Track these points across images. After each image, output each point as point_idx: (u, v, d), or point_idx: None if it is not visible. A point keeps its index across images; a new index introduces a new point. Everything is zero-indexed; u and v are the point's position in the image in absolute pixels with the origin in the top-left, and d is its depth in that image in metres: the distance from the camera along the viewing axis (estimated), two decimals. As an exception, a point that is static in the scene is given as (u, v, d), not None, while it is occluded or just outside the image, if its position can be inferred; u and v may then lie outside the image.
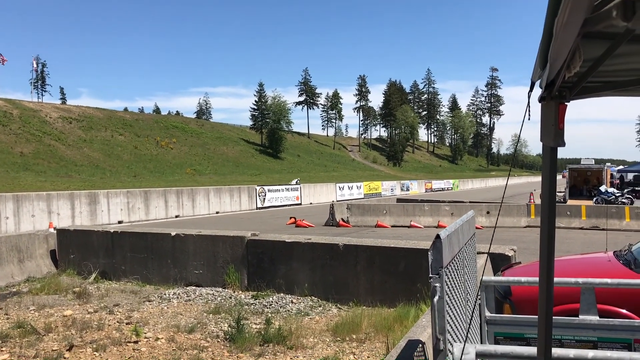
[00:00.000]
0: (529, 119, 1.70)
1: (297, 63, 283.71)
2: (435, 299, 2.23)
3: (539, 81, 1.65)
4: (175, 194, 26.50)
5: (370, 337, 6.66)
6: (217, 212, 28.61)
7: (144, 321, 7.47)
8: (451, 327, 2.49)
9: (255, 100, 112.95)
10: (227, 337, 6.61)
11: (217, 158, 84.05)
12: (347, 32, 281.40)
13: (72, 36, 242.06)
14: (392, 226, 20.95)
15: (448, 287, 2.45)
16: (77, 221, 20.89)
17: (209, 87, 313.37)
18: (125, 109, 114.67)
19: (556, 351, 2.14)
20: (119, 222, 22.46)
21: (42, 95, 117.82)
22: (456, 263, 2.77)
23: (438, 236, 2.29)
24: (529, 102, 1.68)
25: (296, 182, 41.96)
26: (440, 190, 63.52)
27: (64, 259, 11.16)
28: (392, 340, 5.96)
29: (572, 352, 2.14)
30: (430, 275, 2.26)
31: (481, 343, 3.68)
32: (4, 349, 6.28)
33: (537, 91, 1.70)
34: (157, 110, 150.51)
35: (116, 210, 23.07)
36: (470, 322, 2.59)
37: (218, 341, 6.61)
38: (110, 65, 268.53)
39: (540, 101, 1.60)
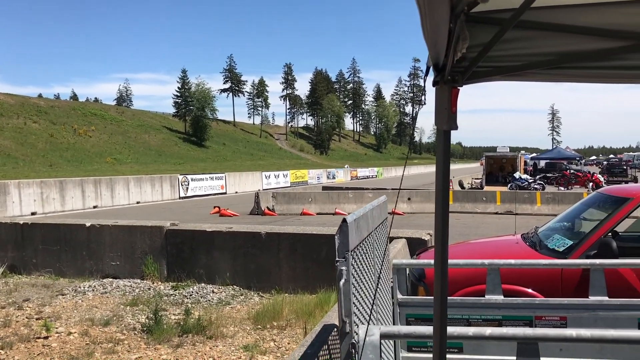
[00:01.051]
0: (424, 103, 1.73)
1: (221, 50, 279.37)
2: (342, 282, 2.25)
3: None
4: (93, 184, 25.50)
5: (291, 323, 6.68)
6: (137, 202, 27.78)
7: (56, 316, 7.15)
8: (359, 311, 2.52)
9: (179, 87, 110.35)
10: (145, 329, 6.44)
11: (139, 147, 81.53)
12: (273, 19, 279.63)
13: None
14: (317, 214, 21.11)
15: (355, 271, 2.47)
16: (-15, 213, 19.71)
17: (130, 73, 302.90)
18: (40, 96, 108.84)
19: (456, 329, 2.21)
20: (32, 214, 21.37)
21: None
22: (365, 247, 2.81)
23: (345, 220, 2.31)
24: (424, 86, 1.71)
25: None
26: (365, 178, 64.61)
27: (-32, 253, 10.49)
28: (310, 326, 6.01)
29: (471, 330, 2.21)
30: (337, 258, 2.27)
31: (393, 325, 3.76)
32: None
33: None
34: (74, 97, 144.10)
35: (29, 202, 21.92)
36: (373, 303, 2.63)
37: (135, 333, 6.43)
38: (23, 48, 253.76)
39: (433, 85, 1.63)
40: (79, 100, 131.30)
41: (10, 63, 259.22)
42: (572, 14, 1.54)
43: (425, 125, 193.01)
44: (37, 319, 6.98)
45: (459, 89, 1.65)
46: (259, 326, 6.66)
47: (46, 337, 6.22)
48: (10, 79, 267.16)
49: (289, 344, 6.07)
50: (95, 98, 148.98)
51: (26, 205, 21.76)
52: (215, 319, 6.70)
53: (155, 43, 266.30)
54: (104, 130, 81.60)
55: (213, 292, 8.37)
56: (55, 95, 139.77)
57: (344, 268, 2.26)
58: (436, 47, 1.35)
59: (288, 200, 22.13)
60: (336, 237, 2.30)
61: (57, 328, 6.54)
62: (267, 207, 21.62)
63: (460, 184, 32.16)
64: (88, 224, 9.73)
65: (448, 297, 4.04)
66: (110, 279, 9.18)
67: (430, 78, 1.69)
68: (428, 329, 2.22)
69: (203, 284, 8.75)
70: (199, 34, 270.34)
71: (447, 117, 1.62)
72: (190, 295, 8.21)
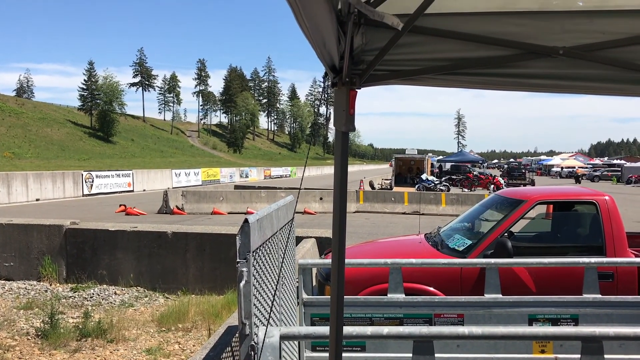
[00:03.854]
0: (325, 104, 1.74)
1: (132, 42, 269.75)
2: (242, 283, 2.21)
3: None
4: (-13, 180, 23.80)
5: (197, 325, 6.55)
6: (37, 200, 26.23)
7: (-62, 322, 6.60)
8: (260, 312, 2.49)
9: (85, 80, 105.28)
10: (39, 333, 6.08)
11: (40, 141, 77.06)
12: (187, 12, 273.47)
13: None
14: (229, 213, 20.84)
15: (257, 272, 2.44)
16: None
17: (31, 62, 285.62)
18: None
19: (355, 329, 2.24)
20: None
21: None
22: (269, 247, 2.78)
23: (246, 220, 2.27)
24: (324, 87, 1.71)
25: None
26: (279, 177, 64.64)
27: None
28: (216, 328, 5.92)
29: (369, 329, 2.24)
30: (238, 260, 2.23)
31: (299, 325, 3.77)
32: None
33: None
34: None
35: None
36: (272, 304, 2.61)
37: (28, 339, 6.06)
38: None
39: (332, 87, 1.64)
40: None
41: None
42: (464, 21, 1.60)
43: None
44: None
45: (357, 91, 1.66)
46: (164, 328, 6.48)
47: None
48: None
49: (194, 346, 5.94)
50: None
51: None
52: (117, 322, 6.44)
53: (60, 31, 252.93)
54: (1, 123, 76.40)
55: (116, 293, 8.05)
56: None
57: (244, 269, 2.23)
58: (326, 47, 1.35)
59: (198, 199, 21.69)
60: (237, 237, 2.26)
61: (-62, 335, 6.04)
62: (177, 206, 21.08)
63: (371, 185, 32.88)
64: (-22, 223, 9.07)
65: (351, 297, 4.10)
66: (3, 281, 8.61)
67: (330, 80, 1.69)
68: (325, 329, 2.23)
69: (105, 286, 8.40)
70: (108, 24, 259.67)
71: (344, 118, 1.63)
72: (91, 297, 7.85)
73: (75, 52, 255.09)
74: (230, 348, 3.48)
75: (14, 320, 6.66)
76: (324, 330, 2.27)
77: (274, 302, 2.66)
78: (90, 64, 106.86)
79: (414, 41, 1.64)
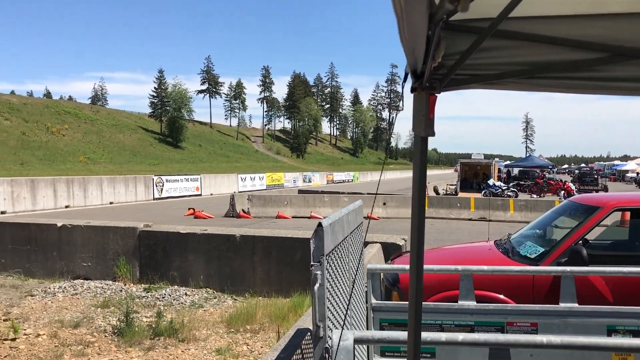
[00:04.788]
0: (402, 109, 1.74)
1: (200, 50, 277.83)
2: (316, 286, 2.24)
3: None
4: (66, 183, 25.06)
5: (265, 327, 6.65)
6: (111, 203, 27.41)
7: (25, 317, 7.01)
8: (333, 315, 2.51)
9: (155, 87, 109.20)
10: (116, 331, 6.35)
11: (113, 146, 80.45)
12: (252, 21, 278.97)
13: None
14: (292, 217, 21.07)
15: (330, 275, 2.47)
16: (-47, 211, 19.24)
17: (105, 71, 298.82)
18: (12, 92, 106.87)
19: (430, 335, 2.23)
20: (2, 213, 20.92)
21: None
22: (340, 251, 2.81)
23: (320, 224, 2.30)
24: (402, 93, 1.72)
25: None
26: (341, 182, 64.75)
27: None
28: (284, 330, 5.99)
29: (444, 335, 2.23)
30: (312, 263, 2.27)
31: (367, 330, 3.77)
32: None
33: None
34: (47, 95, 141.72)
35: (-2, 200, 21.47)
36: (347, 308, 2.63)
37: (105, 336, 6.33)
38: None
39: (412, 92, 1.64)
40: (53, 98, 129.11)
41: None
42: (548, 25, 1.57)
43: (402, 131, 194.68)
44: (4, 320, 6.83)
45: (436, 96, 1.66)
46: (232, 330, 6.62)
47: (13, 339, 6.09)
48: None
49: (261, 347, 6.04)
50: (70, 96, 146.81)
51: (-5, 203, 21.31)
52: (188, 322, 6.64)
53: (133, 42, 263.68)
54: (77, 129, 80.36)
55: (186, 294, 8.29)
56: (28, 92, 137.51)
57: (318, 272, 2.26)
58: (414, 53, 1.36)
59: (264, 203, 22.05)
60: (311, 241, 2.30)
61: (25, 330, 6.41)
62: (243, 210, 21.51)
63: (435, 190, 32.42)
64: (59, 224, 9.56)
65: (422, 303, 4.07)
66: (81, 280, 9.03)
67: (409, 84, 1.70)
68: (402, 334, 2.23)
69: (176, 287, 8.66)
70: (177, 34, 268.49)
71: (424, 123, 1.63)
72: (163, 297, 8.11)
73: (147, 61, 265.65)
74: (300, 350, 3.52)
75: (92, 318, 6.98)
76: (398, 335, 2.26)
77: (349, 306, 2.68)
78: (161, 72, 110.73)
79: (496, 45, 1.62)
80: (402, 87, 1.72)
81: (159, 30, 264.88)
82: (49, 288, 8.56)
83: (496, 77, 1.71)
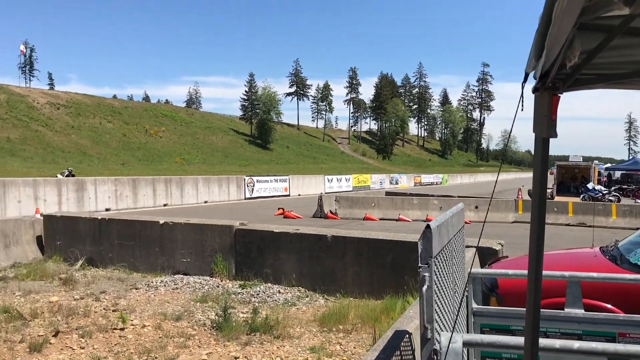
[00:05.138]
0: (522, 110, 1.71)
1: (288, 54, 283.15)
2: (424, 288, 2.24)
3: (532, 72, 1.66)
4: (164, 183, 26.37)
5: (357, 327, 6.69)
6: (205, 202, 28.52)
7: (131, 308, 7.45)
8: (439, 317, 2.50)
9: (246, 91, 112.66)
10: (214, 325, 6.61)
11: (206, 148, 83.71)
12: (339, 23, 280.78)
13: (63, 21, 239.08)
14: (380, 219, 21.01)
15: (436, 277, 2.46)
16: (64, 208, 20.74)
17: (200, 76, 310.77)
18: (114, 96, 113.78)
19: (542, 341, 2.17)
20: (107, 210, 22.32)
21: (30, 80, 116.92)
22: (445, 254, 2.79)
23: (428, 226, 2.30)
24: (522, 93, 1.69)
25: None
26: (429, 184, 63.79)
27: (50, 245, 11.09)
28: (378, 331, 6.00)
29: (557, 342, 2.16)
30: (420, 264, 2.27)
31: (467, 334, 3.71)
32: (-12, 333, 6.24)
33: (532, 83, 1.71)
34: (146, 98, 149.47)
35: (104, 198, 22.92)
36: (459, 311, 2.61)
37: (205, 329, 6.61)
38: (100, 51, 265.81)
39: (533, 92, 1.61)
40: (151, 101, 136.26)
41: (88, 64, 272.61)
42: None
43: (493, 132, 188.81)
44: (113, 311, 7.29)
45: (559, 96, 1.62)
46: (325, 329, 6.70)
47: (122, 329, 6.49)
48: (88, 80, 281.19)
49: (354, 348, 6.07)
50: (167, 100, 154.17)
51: (101, 201, 22.75)
52: (282, 319, 6.79)
53: (225, 47, 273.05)
54: (173, 131, 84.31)
55: (279, 292, 8.48)
56: (128, 96, 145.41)
57: (426, 274, 2.26)
58: (548, 54, 1.33)
59: (351, 204, 22.14)
60: (419, 242, 2.30)
61: (132, 320, 6.81)
62: (330, 211, 21.71)
63: (530, 194, 31.20)
64: (161, 221, 10.08)
65: (521, 308, 3.95)
66: (181, 275, 9.47)
67: (528, 85, 1.67)
68: (512, 339, 2.19)
69: (269, 284, 8.89)
70: (267, 38, 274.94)
71: (546, 124, 1.60)
72: (257, 294, 8.35)
73: (238, 65, 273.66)
74: (399, 352, 3.52)
75: (192, 312, 7.31)
76: (508, 340, 2.22)
77: (458, 310, 2.65)
78: (251, 75, 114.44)
79: (627, 43, 1.55)
80: (522, 87, 1.69)
81: (249, 34, 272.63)
82: (152, 282, 9.05)
83: (625, 76, 1.63)
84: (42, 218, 11.50)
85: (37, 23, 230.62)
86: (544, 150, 1.65)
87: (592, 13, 1.03)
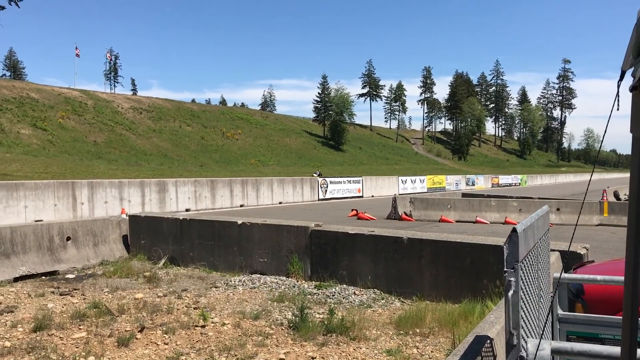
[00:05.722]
0: (617, 109, 1.63)
1: (361, 55, 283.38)
2: (510, 293, 2.18)
3: (630, 70, 1.58)
4: (240, 184, 27.03)
5: (434, 331, 6.58)
6: (280, 203, 28.99)
7: (211, 306, 7.68)
8: (524, 323, 2.42)
9: (319, 93, 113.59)
10: (291, 325, 6.70)
11: (280, 149, 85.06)
12: (412, 22, 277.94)
13: (145, 29, 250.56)
14: (456, 221, 20.61)
15: (522, 282, 2.39)
16: (147, 208, 21.69)
17: (274, 79, 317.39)
18: (193, 100, 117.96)
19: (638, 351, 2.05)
20: (187, 210, 23.14)
21: (114, 86, 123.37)
22: (530, 258, 2.70)
23: (514, 229, 2.24)
24: (618, 92, 1.61)
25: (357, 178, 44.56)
26: (507, 186, 61.94)
27: (135, 244, 11.62)
28: (457, 336, 5.88)
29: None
30: (505, 269, 2.21)
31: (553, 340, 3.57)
32: (81, 327, 6.62)
33: (627, 81, 1.63)
34: (223, 102, 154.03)
35: (184, 199, 23.78)
36: (547, 318, 2.52)
37: (282, 329, 6.71)
38: (180, 57, 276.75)
39: (631, 90, 1.53)
40: (227, 105, 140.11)
41: (168, 70, 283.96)
42: None
43: (575, 131, 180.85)
44: (194, 308, 7.54)
45: (659, 95, 1.53)
46: (401, 332, 6.64)
47: (203, 326, 6.70)
48: (168, 85, 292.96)
49: (432, 352, 5.98)
50: (242, 103, 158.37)
51: (182, 202, 23.62)
52: (358, 321, 6.78)
53: (299, 49, 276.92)
54: (249, 134, 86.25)
55: (354, 294, 8.49)
56: (206, 100, 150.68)
57: (512, 279, 2.20)
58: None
59: (426, 206, 21.84)
60: (505, 246, 2.24)
61: (212, 318, 7.02)
62: (404, 212, 21.51)
63: (616, 195, 29.67)
64: (239, 222, 10.33)
65: (612, 316, 3.76)
66: (258, 275, 9.67)
67: (625, 82, 1.59)
68: (605, 349, 2.09)
69: (345, 285, 8.91)
70: (340, 40, 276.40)
71: (645, 124, 1.52)
72: (333, 295, 8.39)
73: (311, 68, 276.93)
74: (480, 357, 3.44)
75: (269, 311, 7.44)
76: (600, 348, 2.12)
77: (547, 316, 2.57)
78: (324, 77, 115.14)
79: None
80: (618, 86, 1.61)
81: (322, 36, 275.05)
82: (230, 281, 9.29)
83: None
84: (127, 218, 12.07)
85: (121, 32, 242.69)
86: (643, 151, 1.57)
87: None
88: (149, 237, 11.45)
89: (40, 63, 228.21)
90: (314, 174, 41.04)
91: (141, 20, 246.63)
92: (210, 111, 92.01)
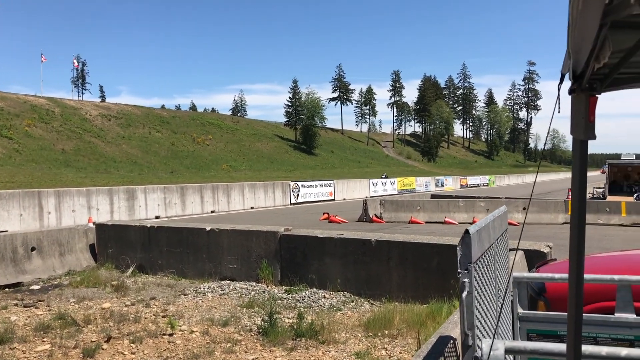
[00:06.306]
0: (558, 112, 1.67)
1: (331, 59, 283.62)
2: (464, 294, 2.22)
3: (568, 73, 1.62)
4: (211, 190, 26.83)
5: (403, 333, 6.63)
6: (251, 208, 28.86)
7: (180, 314, 7.60)
8: (481, 323, 2.46)
9: (290, 97, 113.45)
10: (260, 331, 6.67)
11: (252, 154, 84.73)
12: (381, 27, 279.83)
13: (113, 36, 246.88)
14: (426, 222, 20.80)
15: (477, 283, 2.42)
16: (116, 216, 21.36)
17: (244, 84, 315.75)
18: (163, 107, 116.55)
19: (588, 348, 2.11)
20: (156, 217, 22.87)
21: (82, 93, 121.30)
22: (486, 259, 2.74)
23: (467, 231, 2.28)
24: (559, 94, 1.65)
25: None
26: (475, 186, 62.77)
27: (102, 253, 11.44)
28: (423, 336, 5.94)
29: (604, 349, 2.10)
30: (459, 270, 2.24)
31: (513, 340, 3.63)
32: (45, 339, 6.48)
33: (568, 84, 1.67)
34: (193, 108, 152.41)
35: (153, 206, 23.49)
36: (499, 317, 2.56)
37: (251, 335, 6.68)
38: (149, 63, 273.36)
39: (570, 93, 1.57)
40: (198, 110, 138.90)
41: (137, 76, 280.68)
42: None
43: (542, 131, 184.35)
44: (162, 317, 7.45)
45: (597, 97, 1.58)
46: (370, 334, 6.67)
47: (171, 334, 6.63)
48: (137, 91, 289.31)
49: (400, 353, 6.02)
50: (213, 108, 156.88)
51: (151, 209, 23.33)
52: (327, 325, 6.80)
53: (269, 55, 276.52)
54: (220, 139, 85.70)
55: (324, 297, 8.50)
56: (176, 106, 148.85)
57: (466, 280, 2.23)
58: (578, 55, 1.30)
59: (396, 207, 22.00)
60: (458, 248, 2.28)
61: (180, 326, 6.95)
62: (375, 215, 21.62)
63: (581, 194, 30.28)
64: (208, 228, 10.26)
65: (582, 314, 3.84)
66: (228, 281, 9.61)
67: (565, 85, 1.63)
68: (557, 346, 2.13)
69: (315, 289, 8.91)
70: (310, 45, 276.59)
71: (584, 126, 1.56)
72: (303, 299, 8.39)
73: (282, 72, 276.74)
74: (443, 358, 3.49)
75: (239, 317, 7.40)
76: (553, 346, 2.17)
77: (500, 315, 2.61)
78: (295, 82, 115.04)
79: None
80: (559, 89, 1.65)
81: (292, 41, 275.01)
82: (200, 288, 9.21)
83: (666, 74, 1.58)
84: (94, 227, 11.88)
85: (89, 38, 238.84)
86: (582, 153, 1.61)
87: (615, 15, 1.00)
88: (117, 245, 11.28)
89: (4, 70, 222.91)
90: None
91: (109, 26, 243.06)
92: (180, 117, 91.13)
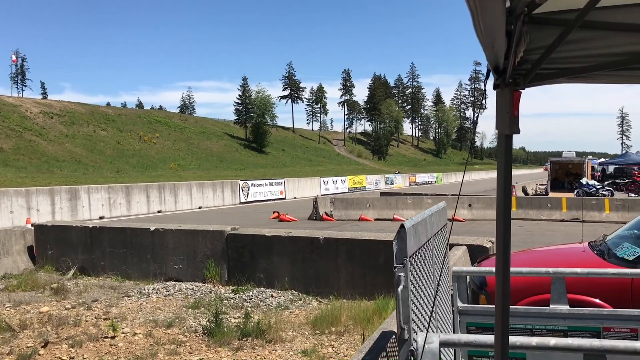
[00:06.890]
0: (486, 107, 1.70)
1: (281, 57, 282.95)
2: (400, 288, 2.23)
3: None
4: (158, 189, 26.31)
5: (350, 329, 6.67)
6: (200, 207, 28.46)
7: (122, 316, 7.41)
8: (418, 318, 2.48)
9: (239, 95, 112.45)
10: (206, 331, 6.58)
11: (201, 153, 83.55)
12: (331, 26, 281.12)
13: (54, 30, 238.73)
14: (375, 219, 21.00)
15: (414, 277, 2.44)
16: (58, 217, 20.66)
17: (193, 81, 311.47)
18: (108, 104, 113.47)
19: (519, 339, 2.16)
20: (101, 218, 22.26)
21: (22, 90, 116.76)
22: (424, 253, 2.77)
23: (402, 226, 2.29)
24: (484, 90, 1.68)
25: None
26: (424, 184, 63.81)
27: (41, 255, 11.04)
28: (369, 332, 5.98)
29: (534, 340, 2.15)
30: (395, 265, 2.25)
31: (453, 333, 3.69)
32: (-23, 346, 6.20)
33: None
34: (140, 105, 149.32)
35: (97, 206, 22.85)
36: (432, 310, 2.59)
37: (196, 336, 6.58)
38: (93, 59, 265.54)
39: (494, 88, 1.60)
40: (145, 108, 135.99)
41: (82, 73, 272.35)
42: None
43: (487, 129, 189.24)
44: (104, 319, 7.25)
45: (520, 92, 1.60)
46: (318, 331, 6.68)
47: (113, 337, 6.45)
48: (82, 88, 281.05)
49: (347, 349, 6.05)
50: (160, 106, 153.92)
51: (95, 209, 22.68)
52: (274, 323, 6.77)
53: (218, 52, 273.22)
54: (167, 137, 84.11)
55: (272, 296, 8.46)
56: (122, 103, 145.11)
57: (402, 274, 2.24)
58: (493, 49, 1.32)
59: (346, 205, 22.13)
60: (394, 242, 2.28)
61: (123, 328, 6.78)
62: (326, 213, 21.68)
63: (524, 190, 31.27)
64: (152, 228, 10.04)
65: (511, 306, 3.93)
66: (173, 282, 9.44)
67: (491, 81, 1.65)
68: (489, 338, 2.17)
69: (262, 288, 8.86)
70: (259, 42, 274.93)
71: (508, 120, 1.58)
72: (250, 299, 8.32)
73: (231, 70, 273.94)
74: (385, 353, 3.51)
75: (184, 318, 7.27)
76: (486, 338, 2.20)
77: (434, 309, 2.64)
78: (244, 79, 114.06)
79: (585, 37, 1.54)
80: (485, 85, 1.68)
81: (242, 38, 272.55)
82: (144, 289, 9.01)
83: (586, 70, 1.62)
84: (32, 228, 11.45)
85: (28, 32, 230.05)
86: (507, 147, 1.64)
87: (520, 7, 1.02)
88: (57, 247, 10.90)
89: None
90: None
91: (50, 20, 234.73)
92: (126, 115, 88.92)
